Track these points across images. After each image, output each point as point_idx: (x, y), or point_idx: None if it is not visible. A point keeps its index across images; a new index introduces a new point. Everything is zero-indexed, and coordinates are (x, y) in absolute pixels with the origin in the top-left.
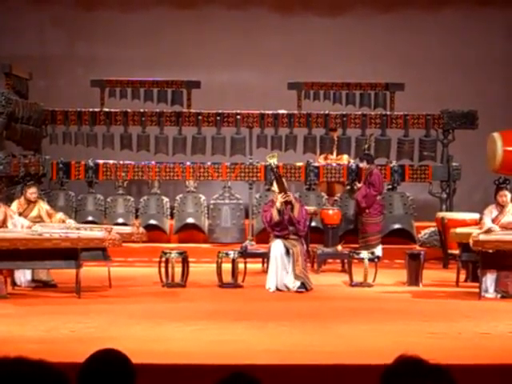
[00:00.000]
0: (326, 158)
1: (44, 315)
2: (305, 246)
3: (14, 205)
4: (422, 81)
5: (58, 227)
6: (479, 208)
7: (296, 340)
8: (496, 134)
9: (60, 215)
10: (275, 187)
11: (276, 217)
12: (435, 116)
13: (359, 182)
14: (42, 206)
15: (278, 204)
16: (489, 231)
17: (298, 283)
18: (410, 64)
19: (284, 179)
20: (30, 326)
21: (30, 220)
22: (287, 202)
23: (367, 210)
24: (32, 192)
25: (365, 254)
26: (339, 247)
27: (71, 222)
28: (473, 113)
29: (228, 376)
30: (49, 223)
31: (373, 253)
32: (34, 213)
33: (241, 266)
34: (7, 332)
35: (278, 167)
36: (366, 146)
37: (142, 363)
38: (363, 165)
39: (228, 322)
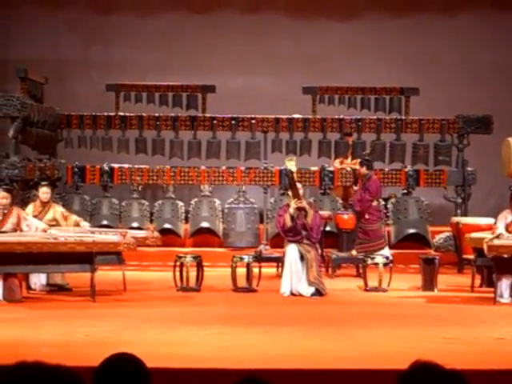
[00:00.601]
0: (341, 163)
1: (59, 319)
2: (319, 250)
3: (30, 208)
4: (437, 85)
5: (73, 231)
6: (494, 213)
7: (310, 345)
8: (511, 139)
9: (75, 217)
10: (290, 192)
11: (289, 223)
12: (450, 121)
13: (356, 185)
14: (57, 209)
15: (291, 210)
16: (499, 237)
17: (312, 289)
18: (425, 69)
19: (299, 185)
20: (45, 329)
21: (45, 223)
22: (300, 208)
23: (366, 216)
24: (44, 192)
25: (379, 259)
26: (354, 252)
27: (86, 225)
28: (488, 117)
29: (241, 381)
30: (64, 227)
31: (387, 257)
32: (49, 216)
33: (255, 270)
34: (22, 336)
35: (292, 173)
36: (367, 151)
37: (155, 367)
38: (363, 170)
39: (242, 326)
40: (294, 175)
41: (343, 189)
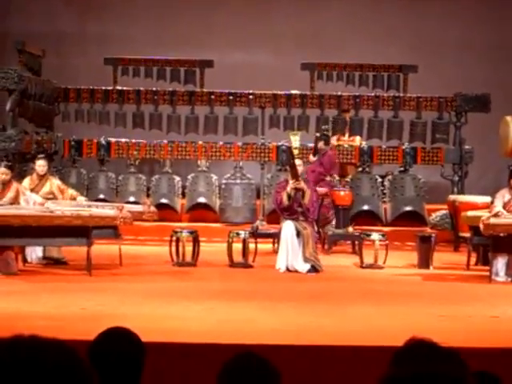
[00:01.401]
0: (338, 140)
1: (54, 292)
2: (315, 227)
3: (26, 181)
4: (436, 63)
5: (70, 205)
6: (491, 191)
7: (305, 321)
8: (509, 118)
9: (71, 191)
10: (288, 172)
11: (286, 201)
12: (448, 99)
13: (314, 156)
14: (54, 182)
15: (288, 189)
16: (497, 215)
17: (308, 266)
18: (424, 46)
19: (299, 161)
20: (41, 302)
21: (42, 196)
22: (298, 189)
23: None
24: (40, 164)
25: (376, 236)
26: (350, 228)
27: (82, 199)
28: (486, 96)
29: (237, 356)
30: (61, 201)
31: (383, 235)
32: (46, 188)
33: (251, 246)
34: (17, 308)
35: (292, 152)
36: (326, 126)
37: (151, 341)
38: (320, 144)
39: (238, 301)
40: (293, 155)
41: (340, 165)
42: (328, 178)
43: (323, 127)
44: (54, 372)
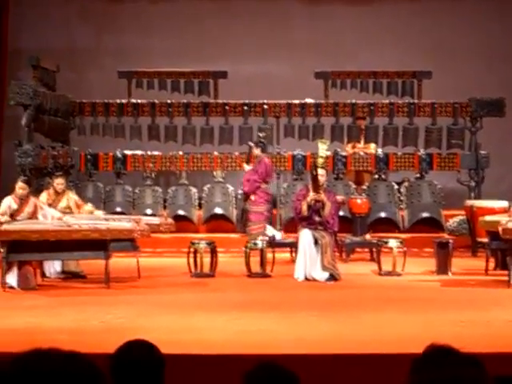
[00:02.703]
0: (353, 147)
1: (74, 306)
2: (334, 236)
3: (44, 196)
4: (450, 69)
5: (88, 218)
6: (508, 196)
7: (325, 330)
8: None
9: (88, 206)
10: (310, 183)
11: (305, 212)
12: (463, 104)
13: (248, 164)
14: (71, 197)
15: (308, 199)
16: None
17: (327, 274)
18: (438, 52)
19: (323, 171)
20: (60, 317)
21: (59, 211)
22: (318, 201)
23: (252, 198)
24: (59, 183)
25: (393, 243)
26: (367, 236)
27: (99, 213)
28: (500, 100)
29: (257, 366)
30: (78, 215)
31: (401, 241)
32: (63, 203)
33: (269, 255)
34: (37, 323)
35: (316, 166)
36: (263, 134)
37: (170, 353)
38: (257, 151)
39: (257, 311)
40: (320, 170)
41: (355, 173)
42: (264, 186)
43: (259, 134)
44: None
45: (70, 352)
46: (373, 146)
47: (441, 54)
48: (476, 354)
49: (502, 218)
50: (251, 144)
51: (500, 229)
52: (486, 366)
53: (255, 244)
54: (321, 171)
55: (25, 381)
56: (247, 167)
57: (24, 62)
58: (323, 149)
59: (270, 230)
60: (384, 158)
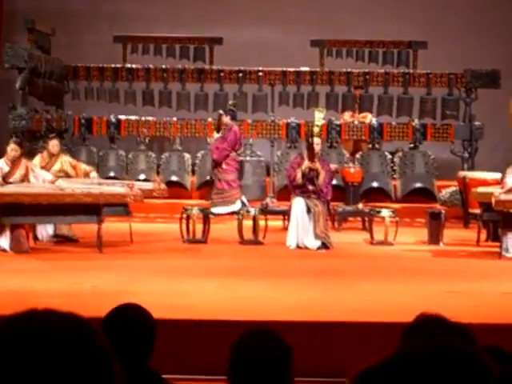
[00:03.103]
0: (352, 116)
1: (66, 270)
2: (326, 204)
3: (37, 159)
4: (446, 39)
5: (81, 182)
6: (501, 168)
7: (316, 297)
8: None
9: (84, 166)
10: (305, 152)
11: (299, 180)
12: (458, 75)
13: (217, 133)
14: (65, 159)
15: (302, 167)
16: (510, 191)
17: (319, 243)
18: (434, 23)
19: (318, 140)
20: (52, 280)
21: (52, 174)
22: (313, 169)
23: (223, 166)
24: (54, 144)
25: (386, 213)
26: (360, 205)
27: (95, 175)
28: (496, 72)
29: (248, 332)
30: (73, 179)
31: (393, 211)
32: (57, 166)
33: (262, 223)
34: (30, 286)
35: (312, 135)
36: (232, 102)
37: (162, 318)
38: (226, 119)
39: (248, 278)
40: (315, 139)
41: (353, 142)
42: (233, 154)
43: (230, 102)
44: (70, 343)
45: (66, 313)
46: (370, 116)
47: (437, 24)
48: (467, 325)
49: (495, 190)
50: (221, 112)
51: (493, 200)
52: (477, 336)
53: (248, 211)
54: (316, 140)
55: (19, 340)
56: (216, 135)
57: (19, 24)
58: (319, 117)
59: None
60: (378, 127)
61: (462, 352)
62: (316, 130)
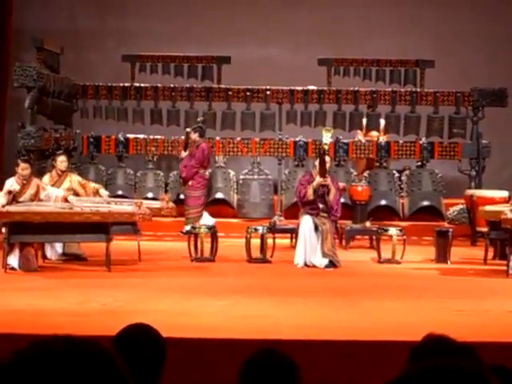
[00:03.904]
0: (365, 135)
1: (75, 288)
2: (334, 223)
3: (46, 178)
4: (453, 58)
5: (91, 201)
6: (508, 186)
7: (323, 316)
8: None
9: (93, 185)
10: (317, 168)
11: (311, 196)
12: (465, 93)
13: (185, 151)
14: (74, 178)
15: (314, 184)
16: None
17: (326, 261)
18: (441, 41)
19: (328, 158)
20: (61, 299)
21: None
22: (324, 185)
23: (190, 183)
24: (62, 160)
25: (393, 231)
26: (367, 223)
27: (105, 193)
28: (503, 90)
29: (257, 351)
30: (83, 197)
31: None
32: (66, 185)
33: (269, 241)
34: (38, 305)
35: (324, 152)
36: (201, 119)
37: (170, 337)
38: (194, 136)
39: (256, 297)
40: (326, 157)
41: (366, 160)
42: (202, 171)
43: (198, 119)
44: (93, 366)
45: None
46: (375, 134)
47: (444, 43)
48: (473, 344)
49: (503, 208)
50: (188, 130)
51: (502, 218)
52: (481, 354)
53: (256, 229)
54: (327, 158)
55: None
56: (184, 154)
57: (28, 43)
58: (327, 136)
59: (206, 216)
60: (385, 145)
61: (467, 372)
62: (326, 148)
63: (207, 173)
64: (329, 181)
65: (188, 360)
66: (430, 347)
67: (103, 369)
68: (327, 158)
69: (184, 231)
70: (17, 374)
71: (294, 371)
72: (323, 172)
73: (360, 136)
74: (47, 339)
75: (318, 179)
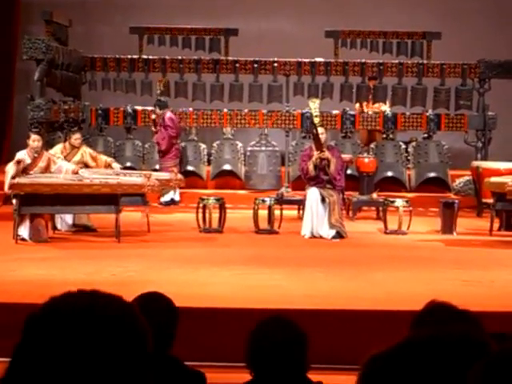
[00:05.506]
0: (367, 106)
1: (85, 259)
2: (341, 194)
3: (58, 148)
4: (459, 30)
5: (101, 173)
6: None
7: (330, 286)
8: None
9: (105, 158)
10: (313, 143)
11: (312, 172)
12: (472, 65)
13: (155, 128)
14: (86, 151)
15: (313, 159)
16: None
17: (333, 232)
18: (448, 13)
19: (322, 129)
20: (71, 269)
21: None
22: (323, 159)
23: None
24: (77, 138)
25: (399, 202)
26: (374, 195)
27: (117, 166)
28: (509, 62)
29: (265, 319)
30: (94, 169)
31: (407, 201)
32: (77, 157)
33: (277, 212)
34: (49, 275)
35: (315, 125)
36: (158, 91)
37: (180, 306)
38: (157, 111)
39: (264, 267)
40: (319, 129)
41: (368, 132)
42: (179, 141)
43: (157, 92)
44: (116, 320)
45: (112, 294)
46: (385, 106)
47: (451, 15)
48: (478, 313)
49: (508, 180)
50: (151, 108)
51: (506, 189)
52: (488, 324)
53: (263, 200)
54: (320, 129)
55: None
56: (154, 129)
57: (36, 16)
58: (315, 108)
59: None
60: (392, 117)
61: (467, 338)
62: (317, 120)
63: (181, 144)
64: (327, 153)
65: (196, 329)
66: (432, 314)
67: (126, 324)
68: (320, 130)
69: (163, 202)
70: (45, 327)
71: (302, 338)
72: (319, 145)
73: (357, 107)
74: (73, 293)
75: (315, 154)
